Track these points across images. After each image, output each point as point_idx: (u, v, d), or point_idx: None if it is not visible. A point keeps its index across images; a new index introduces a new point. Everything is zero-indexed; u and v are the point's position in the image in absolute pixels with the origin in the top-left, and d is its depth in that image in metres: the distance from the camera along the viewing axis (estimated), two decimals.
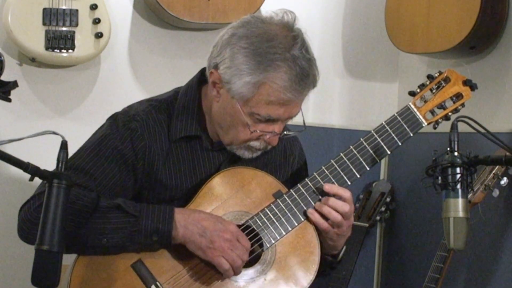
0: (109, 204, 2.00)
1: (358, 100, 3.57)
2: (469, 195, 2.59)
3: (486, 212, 2.75)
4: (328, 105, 3.53)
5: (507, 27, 2.95)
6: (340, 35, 3.54)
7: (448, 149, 1.97)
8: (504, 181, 2.65)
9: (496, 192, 2.65)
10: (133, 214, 1.99)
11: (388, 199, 3.32)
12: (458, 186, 1.94)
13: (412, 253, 3.31)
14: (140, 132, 2.09)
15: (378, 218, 3.30)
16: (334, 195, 2.09)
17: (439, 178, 1.96)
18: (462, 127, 1.98)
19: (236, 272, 2.02)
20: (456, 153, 1.96)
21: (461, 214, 1.94)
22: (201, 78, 2.18)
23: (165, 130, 2.12)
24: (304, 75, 2.00)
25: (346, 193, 2.10)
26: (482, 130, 2.00)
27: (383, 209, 3.31)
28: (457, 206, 1.95)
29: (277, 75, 1.98)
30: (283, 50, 1.99)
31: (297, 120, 2.12)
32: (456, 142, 1.97)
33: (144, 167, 2.09)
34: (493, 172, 2.67)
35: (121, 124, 2.10)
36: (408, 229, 3.35)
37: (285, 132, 2.12)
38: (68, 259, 1.94)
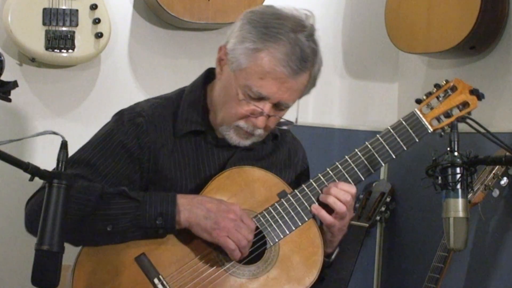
0: (113, 191, 2.02)
1: (358, 100, 3.57)
2: (469, 195, 2.59)
3: (486, 212, 2.75)
4: (328, 105, 3.53)
5: (507, 27, 2.95)
6: (340, 35, 3.54)
7: (448, 149, 1.97)
8: (504, 181, 2.65)
9: (496, 192, 2.65)
10: (137, 199, 2.00)
11: (388, 199, 3.31)
12: (458, 186, 1.94)
13: (412, 253, 3.31)
14: (145, 127, 2.11)
15: (378, 218, 3.30)
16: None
17: (439, 178, 1.96)
18: (462, 127, 1.98)
19: (243, 253, 2.02)
20: (456, 153, 1.96)
21: (461, 214, 1.94)
22: (206, 77, 2.21)
23: (170, 126, 2.14)
24: (303, 58, 2.03)
25: (352, 189, 2.11)
26: (482, 130, 2.00)
27: (383, 209, 3.31)
28: (457, 206, 1.95)
29: (276, 46, 2.01)
30: (289, 30, 2.03)
31: (299, 120, 2.12)
32: (456, 142, 1.97)
33: (150, 162, 2.11)
34: (493, 172, 2.67)
35: (127, 120, 2.12)
36: (408, 229, 3.35)
37: (278, 127, 2.15)
38: (68, 259, 1.94)
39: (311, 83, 2.12)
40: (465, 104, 2.20)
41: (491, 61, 3.03)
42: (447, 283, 2.87)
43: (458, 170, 1.94)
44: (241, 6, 3.03)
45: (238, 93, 2.05)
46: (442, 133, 2.20)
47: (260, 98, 2.05)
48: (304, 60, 2.03)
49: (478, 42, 2.93)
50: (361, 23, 3.55)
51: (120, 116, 2.15)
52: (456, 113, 2.20)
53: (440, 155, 1.97)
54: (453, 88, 2.19)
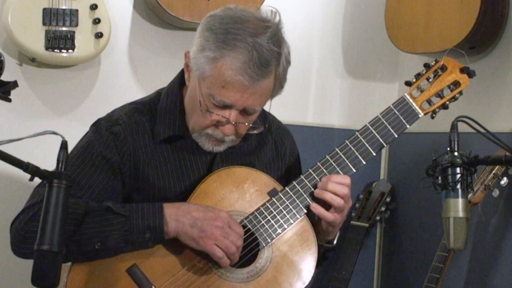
0: (98, 207, 1.99)
1: (358, 100, 3.57)
2: (469, 195, 2.59)
3: (486, 212, 2.76)
4: (328, 105, 3.53)
5: (507, 27, 2.95)
6: (340, 35, 3.54)
7: (448, 149, 1.97)
8: (504, 181, 2.65)
9: (496, 192, 2.65)
10: (123, 214, 1.98)
11: (388, 199, 3.32)
12: (458, 186, 1.94)
13: (412, 253, 3.31)
14: (123, 135, 2.09)
15: (378, 218, 3.30)
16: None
17: (439, 178, 1.96)
18: (462, 127, 1.98)
19: (232, 259, 2.01)
20: (456, 153, 1.96)
21: (461, 214, 1.94)
22: (181, 79, 2.18)
23: (148, 132, 2.12)
24: (262, 64, 1.96)
25: (347, 180, 2.09)
26: (482, 130, 2.00)
27: (383, 209, 3.31)
28: (457, 206, 1.95)
29: (233, 54, 1.96)
30: (247, 35, 1.97)
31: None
32: (456, 142, 1.97)
33: (131, 170, 2.09)
34: (493, 172, 2.67)
35: (104, 129, 2.10)
36: (408, 229, 3.35)
37: (247, 132, 2.10)
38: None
39: (278, 85, 2.06)
40: (456, 84, 2.18)
41: (491, 61, 3.03)
42: (447, 283, 2.87)
43: (458, 170, 1.94)
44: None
45: (201, 104, 2.02)
46: (434, 115, 2.19)
47: (225, 106, 2.01)
48: (264, 66, 1.97)
49: (478, 42, 2.93)
50: (361, 23, 3.55)
51: (97, 126, 2.13)
52: (448, 93, 2.18)
53: (440, 155, 1.97)
54: (443, 68, 2.18)
